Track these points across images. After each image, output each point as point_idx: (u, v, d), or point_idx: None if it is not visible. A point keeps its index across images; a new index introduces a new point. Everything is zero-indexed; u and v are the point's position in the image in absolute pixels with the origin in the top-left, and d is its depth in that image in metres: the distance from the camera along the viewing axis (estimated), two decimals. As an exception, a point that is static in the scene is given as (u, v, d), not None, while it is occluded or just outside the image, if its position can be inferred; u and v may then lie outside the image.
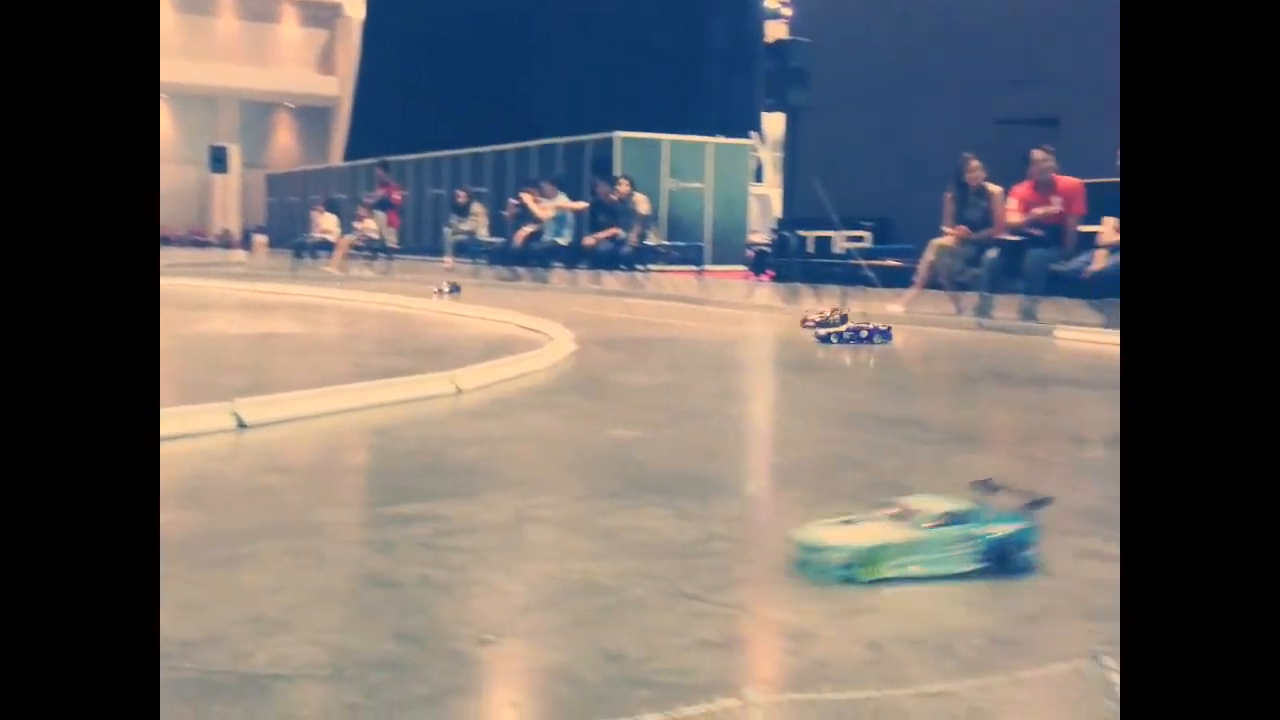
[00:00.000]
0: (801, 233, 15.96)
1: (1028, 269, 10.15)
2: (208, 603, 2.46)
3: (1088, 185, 10.43)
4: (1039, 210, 10.34)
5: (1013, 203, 10.68)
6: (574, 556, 2.91)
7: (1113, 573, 2.82)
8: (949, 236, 11.16)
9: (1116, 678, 1.30)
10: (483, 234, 19.73)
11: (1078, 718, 1.39)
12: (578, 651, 2.27)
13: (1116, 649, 1.33)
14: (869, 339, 7.55)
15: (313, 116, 54.65)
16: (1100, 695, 1.32)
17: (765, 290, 13.82)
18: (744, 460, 4.61)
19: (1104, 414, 5.77)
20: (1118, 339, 8.48)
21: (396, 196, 21.21)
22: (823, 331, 7.58)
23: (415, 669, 2.15)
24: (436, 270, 18.51)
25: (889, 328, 7.69)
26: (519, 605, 2.53)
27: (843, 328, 7.60)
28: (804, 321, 8.62)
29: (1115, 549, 3.02)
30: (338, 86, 49.09)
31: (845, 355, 8.45)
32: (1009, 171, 10.98)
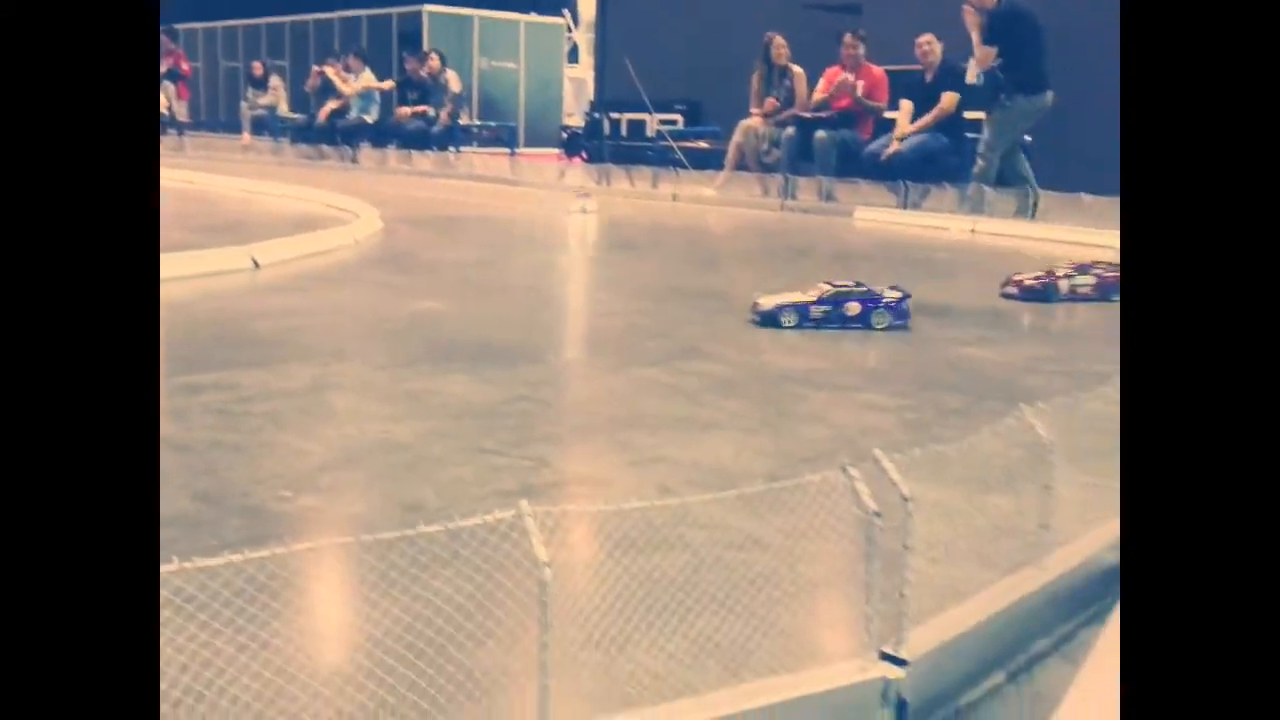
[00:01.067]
0: (614, 115, 15.89)
1: (820, 149, 10.47)
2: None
3: (888, 73, 10.76)
4: (838, 91, 10.62)
5: (821, 83, 10.93)
6: (373, 419, 2.92)
7: (887, 422, 3.04)
8: (755, 117, 11.36)
9: (861, 486, 1.44)
10: (283, 109, 18.76)
11: (821, 516, 1.52)
12: (375, 504, 2.30)
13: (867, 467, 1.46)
14: (863, 318, 4.19)
15: (89, -22, 50.17)
16: (847, 500, 1.45)
17: (578, 172, 13.78)
18: (551, 330, 4.66)
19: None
20: (913, 219, 8.91)
21: (185, 67, 19.85)
22: (767, 304, 4.29)
23: (209, 525, 2.13)
24: (234, 147, 17.53)
25: (902, 299, 4.25)
26: (316, 464, 2.53)
27: (811, 296, 4.25)
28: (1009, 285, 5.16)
29: (892, 402, 3.25)
30: (116, -54, 45.11)
31: (652, 236, 8.57)
32: (814, 55, 11.19)
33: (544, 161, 16.00)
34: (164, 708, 1.21)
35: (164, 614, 1.43)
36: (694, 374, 3.53)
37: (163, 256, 5.36)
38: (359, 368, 3.56)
